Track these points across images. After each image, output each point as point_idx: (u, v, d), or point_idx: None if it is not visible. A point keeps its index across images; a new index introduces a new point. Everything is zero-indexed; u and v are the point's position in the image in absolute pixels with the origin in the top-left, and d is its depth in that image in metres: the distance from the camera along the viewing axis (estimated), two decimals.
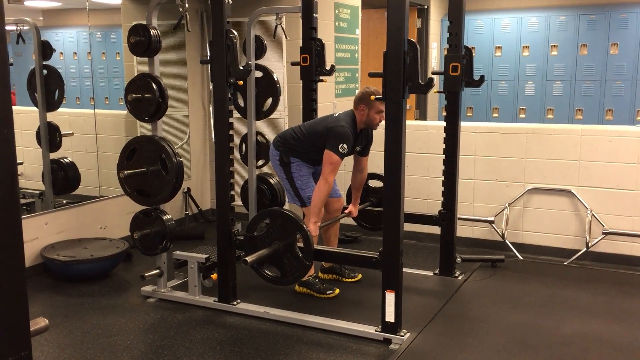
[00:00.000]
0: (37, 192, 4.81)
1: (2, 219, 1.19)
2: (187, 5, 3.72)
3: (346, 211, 4.25)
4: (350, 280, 4.17)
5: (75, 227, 4.67)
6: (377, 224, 4.42)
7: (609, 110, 7.46)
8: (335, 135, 3.74)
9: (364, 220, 4.56)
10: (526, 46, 7.76)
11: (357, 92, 5.92)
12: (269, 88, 4.65)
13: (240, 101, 4.64)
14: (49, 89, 4.72)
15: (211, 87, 4.32)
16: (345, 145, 3.73)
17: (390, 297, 3.26)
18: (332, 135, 3.75)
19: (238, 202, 4.06)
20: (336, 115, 3.94)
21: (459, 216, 4.43)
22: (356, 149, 4.02)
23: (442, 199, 4.28)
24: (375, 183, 4.53)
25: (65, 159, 4.83)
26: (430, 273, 4.35)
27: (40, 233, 4.41)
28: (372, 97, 3.72)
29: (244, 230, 3.67)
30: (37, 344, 3.26)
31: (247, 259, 3.34)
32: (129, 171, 3.67)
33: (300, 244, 3.47)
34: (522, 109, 7.89)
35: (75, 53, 5.48)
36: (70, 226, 4.64)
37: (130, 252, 4.63)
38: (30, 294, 1.32)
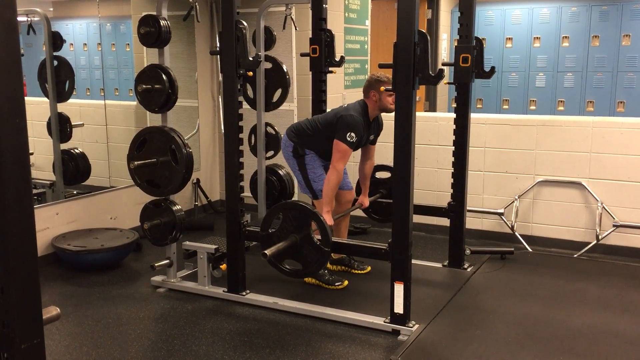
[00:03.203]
0: (48, 182, 4.84)
1: (15, 209, 1.20)
2: None
3: (357, 202, 4.25)
4: (360, 272, 4.17)
5: (86, 217, 4.71)
6: (388, 215, 4.42)
7: (621, 102, 7.40)
8: (344, 125, 3.74)
9: (374, 212, 4.56)
10: (537, 37, 7.71)
11: None
12: (278, 79, 4.64)
13: (250, 92, 4.64)
14: (60, 79, 4.75)
15: (221, 78, 4.32)
16: (353, 134, 3.72)
17: (399, 288, 3.26)
18: (341, 124, 3.75)
19: (247, 193, 4.07)
20: (346, 105, 3.94)
21: (468, 208, 4.42)
22: (370, 137, 4.01)
23: (451, 190, 4.27)
24: (381, 175, 4.52)
25: (75, 150, 4.86)
26: (439, 265, 4.34)
27: (51, 223, 4.44)
28: (382, 88, 3.72)
29: (260, 229, 3.62)
30: (49, 332, 3.29)
31: (266, 252, 3.32)
32: (139, 162, 3.68)
33: (317, 235, 3.44)
34: (533, 100, 7.84)
35: (86, 44, 5.49)
36: (80, 216, 4.67)
37: (140, 243, 4.66)
38: (41, 283, 1.33)
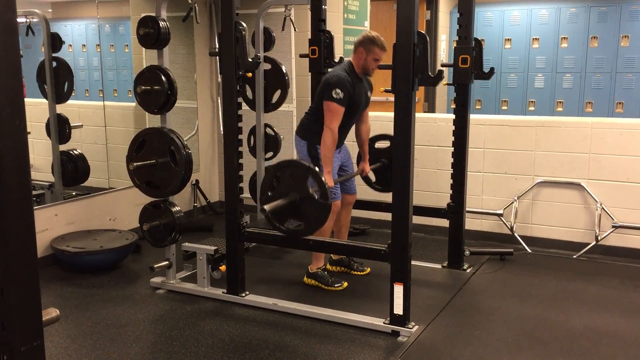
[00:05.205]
0: (46, 183, 4.83)
1: (14, 210, 1.20)
2: None
3: (358, 169, 4.16)
4: (359, 273, 4.17)
5: (85, 219, 4.70)
6: (389, 185, 4.27)
7: (619, 103, 7.41)
8: (328, 85, 3.70)
9: (377, 182, 4.49)
10: (536, 38, 7.71)
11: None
12: (277, 80, 4.65)
13: (249, 93, 4.64)
14: (58, 81, 4.74)
15: (220, 79, 4.33)
16: (339, 90, 3.66)
17: (398, 289, 3.26)
18: (325, 85, 3.72)
19: (246, 194, 4.07)
20: (332, 69, 3.89)
21: (467, 209, 4.42)
22: (368, 94, 3.95)
23: (450, 191, 4.27)
24: (381, 144, 4.41)
25: (74, 151, 4.86)
26: (439, 266, 4.34)
27: (50, 224, 4.43)
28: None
29: (259, 193, 3.51)
30: (48, 334, 3.29)
31: (265, 207, 3.21)
32: (138, 163, 3.68)
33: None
34: (532, 101, 7.85)
35: (84, 45, 5.49)
36: (79, 218, 4.66)
37: (139, 244, 4.65)
38: (40, 284, 1.33)
